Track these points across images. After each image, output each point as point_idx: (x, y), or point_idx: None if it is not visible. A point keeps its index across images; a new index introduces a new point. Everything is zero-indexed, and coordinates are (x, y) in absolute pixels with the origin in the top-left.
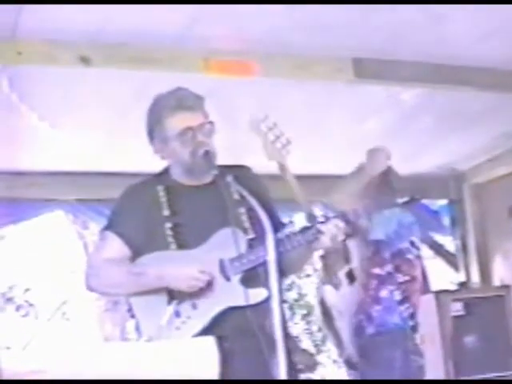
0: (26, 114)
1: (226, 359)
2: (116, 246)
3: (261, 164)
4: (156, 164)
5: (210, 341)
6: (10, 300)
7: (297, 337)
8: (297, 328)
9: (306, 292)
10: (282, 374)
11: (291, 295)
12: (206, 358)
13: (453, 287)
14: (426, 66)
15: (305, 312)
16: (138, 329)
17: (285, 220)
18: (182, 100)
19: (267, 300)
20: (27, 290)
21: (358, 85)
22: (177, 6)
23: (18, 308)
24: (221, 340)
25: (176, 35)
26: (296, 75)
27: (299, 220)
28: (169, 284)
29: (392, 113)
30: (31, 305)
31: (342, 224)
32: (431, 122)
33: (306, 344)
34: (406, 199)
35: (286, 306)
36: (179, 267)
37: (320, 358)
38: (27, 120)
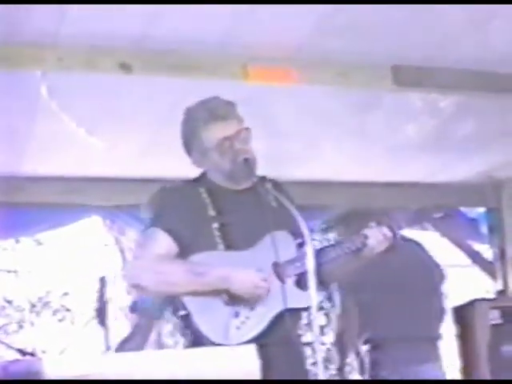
0: (64, 121)
1: (267, 366)
2: (165, 243)
3: (299, 171)
4: (194, 171)
5: (252, 349)
6: (46, 304)
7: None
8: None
9: None
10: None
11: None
12: (247, 366)
13: (490, 296)
14: (466, 73)
15: None
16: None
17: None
18: (214, 110)
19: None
20: (65, 294)
21: (397, 92)
22: (217, 13)
23: (54, 312)
24: (263, 347)
25: (216, 43)
26: (335, 83)
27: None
28: (230, 287)
29: (431, 120)
30: (68, 310)
31: (390, 233)
32: (470, 130)
33: None
34: (440, 215)
35: (322, 312)
36: (244, 271)
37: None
38: (66, 126)
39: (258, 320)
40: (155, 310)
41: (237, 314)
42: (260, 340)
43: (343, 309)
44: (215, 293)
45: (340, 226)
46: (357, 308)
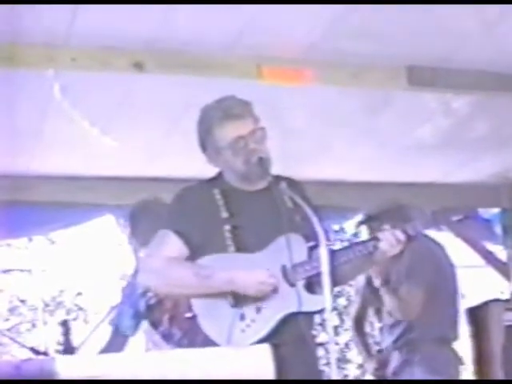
0: (77, 120)
1: (281, 367)
2: (175, 245)
3: (312, 171)
4: (206, 170)
5: (266, 349)
6: (60, 304)
7: (346, 344)
8: (346, 336)
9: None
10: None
11: (340, 302)
12: (262, 366)
13: (505, 297)
14: (480, 74)
15: None
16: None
17: (335, 227)
18: (229, 109)
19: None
20: (79, 294)
21: (411, 93)
22: (231, 12)
23: (68, 312)
24: (276, 348)
25: (230, 42)
26: (349, 83)
27: (349, 227)
28: (238, 288)
29: (445, 121)
30: (81, 309)
31: (403, 237)
32: (484, 130)
33: (354, 352)
34: (459, 217)
35: (335, 313)
36: (249, 272)
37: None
38: (78, 126)
39: (263, 323)
40: (129, 327)
41: (242, 317)
42: (264, 343)
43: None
44: (221, 295)
45: (356, 226)
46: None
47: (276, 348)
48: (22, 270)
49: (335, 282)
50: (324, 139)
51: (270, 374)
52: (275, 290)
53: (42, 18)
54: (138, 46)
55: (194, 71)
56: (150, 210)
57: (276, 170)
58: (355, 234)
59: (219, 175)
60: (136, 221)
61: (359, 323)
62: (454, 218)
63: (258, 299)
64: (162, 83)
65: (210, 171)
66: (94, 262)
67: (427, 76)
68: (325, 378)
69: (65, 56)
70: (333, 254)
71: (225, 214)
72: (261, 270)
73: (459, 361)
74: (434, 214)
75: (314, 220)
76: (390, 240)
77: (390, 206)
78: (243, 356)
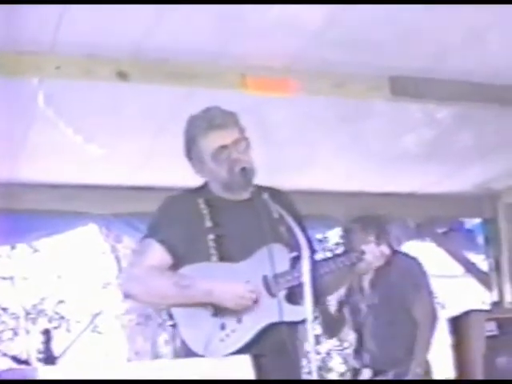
0: (61, 128)
1: (261, 377)
2: (158, 254)
3: (296, 180)
4: (190, 179)
5: (246, 359)
6: (42, 312)
7: (328, 353)
8: (328, 345)
9: None
10: None
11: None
12: (242, 377)
13: (486, 307)
14: (464, 85)
15: None
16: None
17: (318, 236)
18: (213, 119)
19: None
20: (60, 302)
21: (394, 103)
22: (214, 23)
23: (50, 320)
24: (257, 358)
25: (214, 52)
26: (333, 93)
27: (333, 236)
28: (216, 300)
29: (428, 131)
30: (62, 317)
31: (388, 250)
32: (467, 141)
33: (336, 361)
34: (444, 229)
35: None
36: (228, 284)
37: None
38: (63, 134)
39: (243, 333)
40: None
41: (223, 327)
42: (242, 354)
43: None
44: (201, 305)
45: (340, 236)
46: None
47: (256, 358)
48: (4, 278)
49: (317, 293)
50: (308, 149)
51: None
52: (256, 302)
53: (28, 25)
54: (122, 54)
55: (178, 81)
56: None
57: (260, 179)
58: (337, 244)
59: (204, 185)
60: None
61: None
62: (439, 231)
63: (239, 311)
64: (147, 92)
65: (195, 181)
66: (76, 270)
67: (411, 86)
68: None
69: (50, 64)
70: (315, 264)
71: (209, 224)
72: (241, 283)
73: None
74: (418, 226)
75: (297, 230)
76: (374, 252)
77: (372, 216)
78: (223, 366)
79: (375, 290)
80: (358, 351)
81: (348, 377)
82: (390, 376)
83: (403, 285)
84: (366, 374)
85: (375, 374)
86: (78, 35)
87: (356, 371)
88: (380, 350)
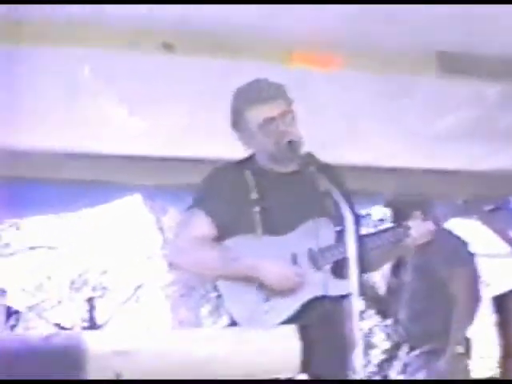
0: (106, 100)
1: (308, 348)
2: (204, 224)
3: (340, 155)
4: (236, 151)
5: (293, 329)
6: (85, 281)
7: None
8: (370, 321)
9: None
10: (358, 368)
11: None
12: (288, 347)
13: None
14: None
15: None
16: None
17: (363, 212)
18: (261, 91)
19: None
20: (104, 272)
21: (441, 79)
22: None
23: (93, 289)
24: (304, 329)
25: (260, 25)
26: (379, 69)
27: (377, 212)
28: (261, 276)
29: (475, 108)
30: (104, 288)
31: (433, 227)
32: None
33: (378, 338)
34: (491, 207)
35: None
36: (276, 264)
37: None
38: (108, 106)
39: (287, 306)
40: None
41: (267, 299)
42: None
43: None
44: (246, 279)
45: (385, 213)
46: None
47: (303, 329)
48: (49, 248)
49: (363, 269)
50: (352, 125)
51: (297, 355)
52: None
53: None
54: (168, 26)
55: (223, 53)
56: None
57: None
58: (381, 220)
59: (251, 157)
60: None
61: None
62: (486, 208)
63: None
64: (192, 65)
65: (239, 153)
66: (120, 241)
67: (458, 62)
68: (349, 363)
69: (95, 35)
70: (361, 239)
71: (255, 196)
72: (288, 264)
73: None
74: (465, 203)
75: (343, 205)
76: (420, 228)
77: (417, 192)
78: (269, 336)
79: (416, 265)
80: (398, 326)
81: (390, 352)
82: (425, 351)
83: (444, 262)
84: (404, 349)
85: (411, 349)
86: (123, 6)
87: (398, 346)
88: (416, 326)
